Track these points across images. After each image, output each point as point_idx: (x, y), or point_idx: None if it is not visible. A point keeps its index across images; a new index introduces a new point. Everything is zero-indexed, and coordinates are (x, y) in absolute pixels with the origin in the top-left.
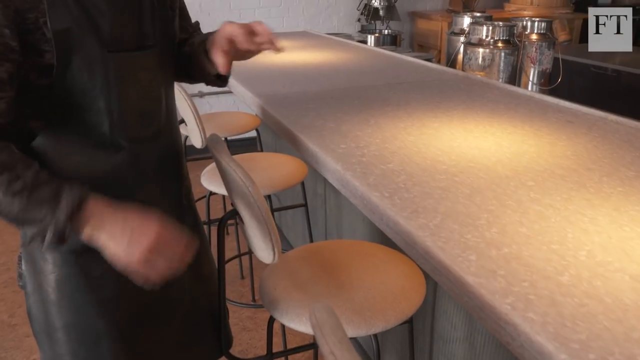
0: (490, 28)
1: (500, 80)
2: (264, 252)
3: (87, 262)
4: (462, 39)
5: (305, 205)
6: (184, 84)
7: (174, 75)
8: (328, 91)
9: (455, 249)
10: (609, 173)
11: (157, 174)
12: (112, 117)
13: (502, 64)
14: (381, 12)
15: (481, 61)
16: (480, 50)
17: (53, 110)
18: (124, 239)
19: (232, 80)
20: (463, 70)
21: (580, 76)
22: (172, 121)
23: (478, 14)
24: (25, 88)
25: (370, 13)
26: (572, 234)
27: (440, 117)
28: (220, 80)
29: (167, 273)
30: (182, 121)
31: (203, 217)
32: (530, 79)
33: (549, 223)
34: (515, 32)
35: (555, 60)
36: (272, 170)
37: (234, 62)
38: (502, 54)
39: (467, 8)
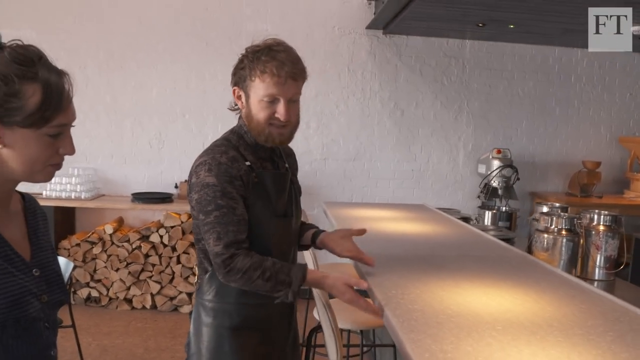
0: (554, 219)
1: (562, 261)
2: (333, 355)
3: (238, 337)
4: (536, 224)
5: (394, 345)
6: None
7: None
8: (408, 256)
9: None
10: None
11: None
12: None
13: (563, 249)
14: (499, 192)
15: (545, 244)
16: (545, 235)
17: None
18: (335, 286)
19: None
20: (531, 250)
21: None
22: None
23: (557, 204)
24: None
25: (489, 192)
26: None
27: (474, 281)
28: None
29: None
30: None
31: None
32: (597, 263)
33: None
34: (576, 223)
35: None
36: None
37: None
38: (564, 240)
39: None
